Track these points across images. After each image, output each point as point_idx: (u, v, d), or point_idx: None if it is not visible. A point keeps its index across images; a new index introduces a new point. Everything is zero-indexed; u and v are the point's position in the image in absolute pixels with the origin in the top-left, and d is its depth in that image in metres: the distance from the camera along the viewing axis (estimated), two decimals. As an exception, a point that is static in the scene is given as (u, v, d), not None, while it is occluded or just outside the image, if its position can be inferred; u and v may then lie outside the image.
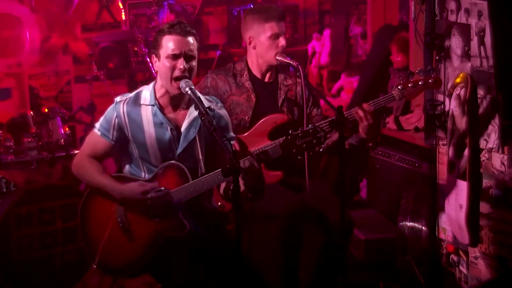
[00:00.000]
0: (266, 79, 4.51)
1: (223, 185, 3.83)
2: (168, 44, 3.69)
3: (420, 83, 4.08)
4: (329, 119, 3.96)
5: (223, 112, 3.91)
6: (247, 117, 4.42)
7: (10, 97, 6.42)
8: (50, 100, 6.58)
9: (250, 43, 4.45)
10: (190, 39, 3.72)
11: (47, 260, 4.97)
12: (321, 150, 4.21)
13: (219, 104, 3.92)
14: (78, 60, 6.66)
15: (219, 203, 4.12)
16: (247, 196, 3.48)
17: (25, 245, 4.91)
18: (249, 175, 3.36)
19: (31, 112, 5.55)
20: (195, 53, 3.74)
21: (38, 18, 6.34)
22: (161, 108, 3.80)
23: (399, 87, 4.08)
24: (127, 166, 3.90)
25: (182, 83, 3.70)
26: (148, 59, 6.20)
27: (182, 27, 3.70)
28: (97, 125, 3.86)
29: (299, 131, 3.66)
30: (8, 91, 6.41)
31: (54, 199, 5.00)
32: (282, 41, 4.37)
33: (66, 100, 6.69)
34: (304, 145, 3.63)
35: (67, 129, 5.60)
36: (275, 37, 4.36)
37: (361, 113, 4.02)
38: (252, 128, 4.38)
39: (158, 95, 3.81)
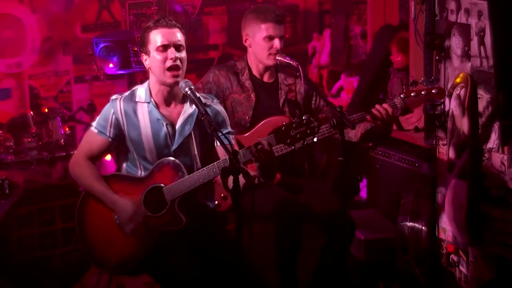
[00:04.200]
0: (266, 79, 4.50)
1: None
2: (156, 37, 3.76)
3: (423, 92, 4.09)
4: (332, 120, 3.96)
5: (219, 107, 3.94)
6: (247, 117, 4.41)
7: (10, 97, 6.41)
8: (50, 100, 6.57)
9: (245, 41, 4.44)
10: (176, 31, 3.78)
11: (47, 260, 4.97)
12: (314, 140, 4.19)
13: (215, 100, 3.96)
14: (78, 60, 6.65)
15: (219, 198, 4.11)
16: (259, 181, 3.61)
17: (25, 245, 4.91)
18: (249, 175, 3.36)
19: (31, 112, 5.55)
20: (184, 44, 3.79)
21: (38, 18, 6.34)
22: (156, 105, 3.83)
23: (401, 95, 4.09)
24: (124, 165, 3.92)
25: (182, 83, 3.73)
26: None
27: (166, 21, 3.78)
28: (94, 123, 3.90)
29: (293, 121, 3.65)
30: (8, 91, 6.40)
31: (54, 199, 5.00)
32: (276, 44, 4.33)
33: (66, 100, 6.69)
34: (298, 135, 3.61)
35: (67, 129, 5.60)
36: (269, 38, 4.34)
37: (377, 112, 4.05)
38: (253, 129, 4.37)
39: (153, 92, 3.84)
